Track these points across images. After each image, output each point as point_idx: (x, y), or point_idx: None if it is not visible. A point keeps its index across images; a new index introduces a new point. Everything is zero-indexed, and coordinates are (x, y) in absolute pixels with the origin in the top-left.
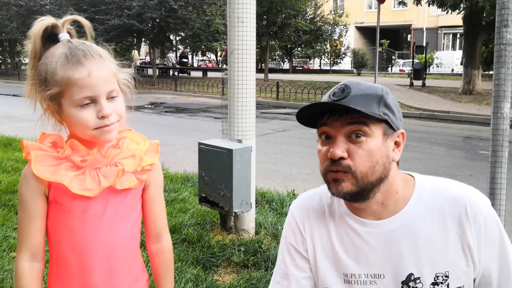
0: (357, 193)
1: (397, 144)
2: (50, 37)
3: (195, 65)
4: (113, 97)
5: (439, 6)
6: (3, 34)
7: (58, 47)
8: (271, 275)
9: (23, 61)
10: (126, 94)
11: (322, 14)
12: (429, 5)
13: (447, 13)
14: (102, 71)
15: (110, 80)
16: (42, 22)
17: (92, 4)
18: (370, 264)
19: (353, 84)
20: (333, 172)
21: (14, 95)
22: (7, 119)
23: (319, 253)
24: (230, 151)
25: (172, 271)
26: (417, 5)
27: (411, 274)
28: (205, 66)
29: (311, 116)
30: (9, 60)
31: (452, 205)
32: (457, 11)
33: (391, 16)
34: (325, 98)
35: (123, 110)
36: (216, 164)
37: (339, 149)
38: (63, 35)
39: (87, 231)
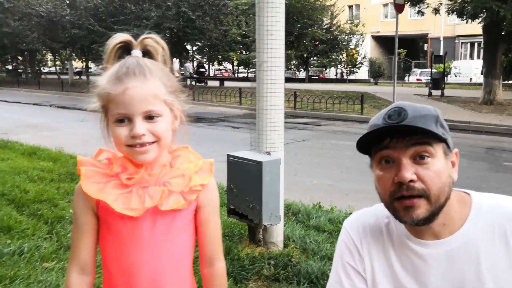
0: (429, 217)
1: (453, 163)
2: (124, 52)
3: (211, 74)
4: (152, 117)
5: (458, 16)
6: (24, 44)
7: (121, 61)
8: None
9: (43, 70)
10: (177, 116)
11: (339, 24)
12: (448, 15)
13: (466, 22)
14: (138, 90)
15: (147, 100)
16: (115, 40)
17: (111, 14)
18: (432, 287)
19: (407, 106)
20: (406, 198)
21: (34, 104)
22: (30, 128)
23: (379, 275)
24: (259, 164)
25: None
26: (435, 15)
27: None
28: (221, 75)
29: (365, 141)
30: (30, 70)
31: None
32: (477, 20)
33: (408, 25)
34: (377, 121)
35: (164, 131)
36: (245, 177)
37: (408, 172)
38: (135, 52)
39: (133, 252)
